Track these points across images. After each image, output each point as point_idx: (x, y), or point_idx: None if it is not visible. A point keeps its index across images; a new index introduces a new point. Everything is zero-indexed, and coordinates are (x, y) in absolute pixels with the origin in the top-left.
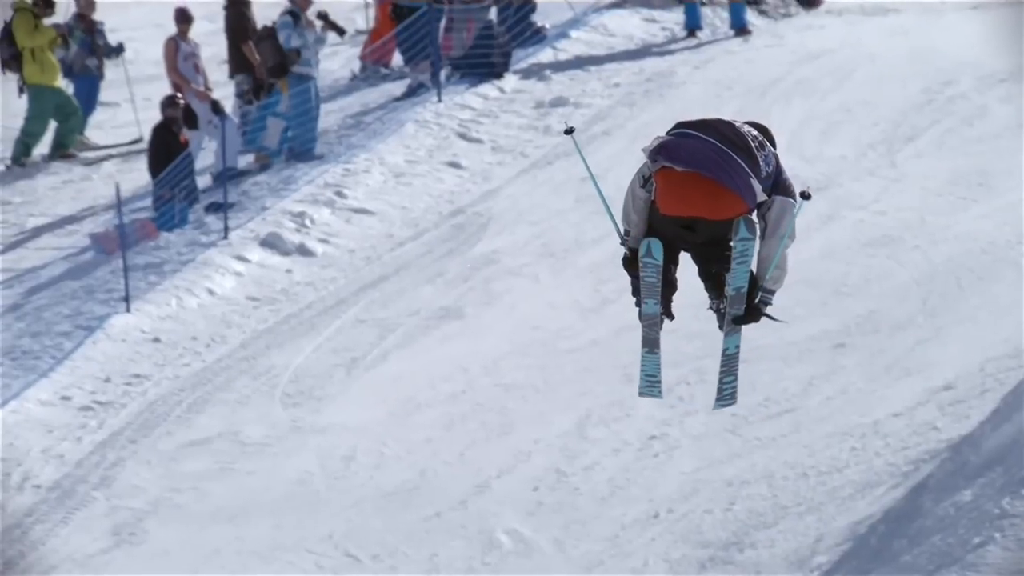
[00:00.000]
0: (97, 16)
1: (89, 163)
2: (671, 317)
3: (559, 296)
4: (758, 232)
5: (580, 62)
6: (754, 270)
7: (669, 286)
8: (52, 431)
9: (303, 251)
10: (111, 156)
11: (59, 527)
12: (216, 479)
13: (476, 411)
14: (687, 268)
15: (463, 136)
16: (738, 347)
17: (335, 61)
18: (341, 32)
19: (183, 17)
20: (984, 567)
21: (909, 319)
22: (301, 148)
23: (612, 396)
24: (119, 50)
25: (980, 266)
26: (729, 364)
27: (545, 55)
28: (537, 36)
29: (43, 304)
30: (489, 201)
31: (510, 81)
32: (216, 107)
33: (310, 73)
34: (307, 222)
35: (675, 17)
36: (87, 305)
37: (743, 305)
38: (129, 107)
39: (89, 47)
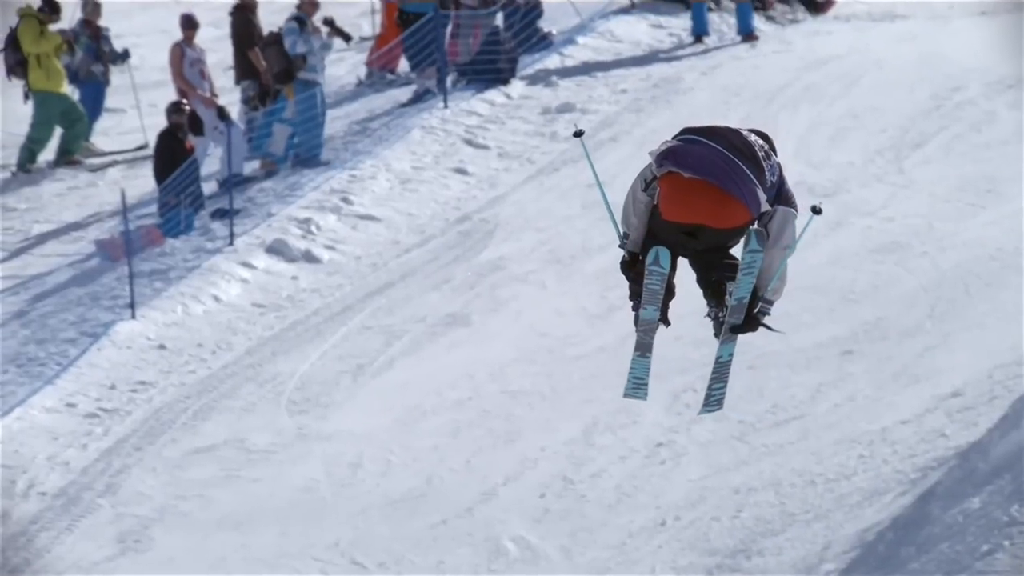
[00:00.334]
0: (103, 22)
1: (95, 169)
2: (667, 323)
3: (566, 303)
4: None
5: (587, 68)
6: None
7: (667, 292)
8: (57, 438)
9: (309, 258)
10: (117, 162)
11: (64, 534)
12: (222, 486)
13: (483, 418)
14: (686, 273)
15: (469, 142)
16: (731, 355)
17: (341, 67)
18: (347, 38)
19: (189, 23)
20: (993, 575)
21: (917, 326)
22: (307, 154)
23: (619, 403)
24: (125, 56)
25: (988, 272)
26: (721, 371)
27: (552, 61)
28: (544, 42)
29: (48, 311)
30: (496, 207)
31: (517, 87)
32: (222, 113)
33: (316, 79)
34: (313, 229)
35: (682, 23)
36: (92, 312)
37: (743, 314)
38: (135, 113)
39: (95, 53)
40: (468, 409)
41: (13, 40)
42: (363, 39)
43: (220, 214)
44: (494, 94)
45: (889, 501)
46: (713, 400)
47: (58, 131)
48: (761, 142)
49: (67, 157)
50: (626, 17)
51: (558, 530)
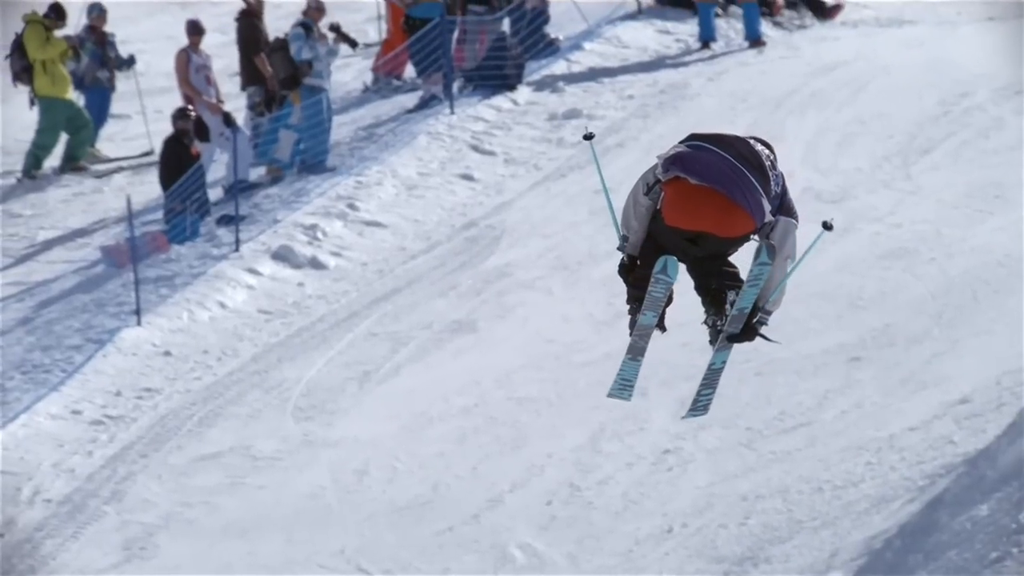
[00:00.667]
0: (108, 28)
1: (100, 175)
2: (663, 329)
3: (572, 309)
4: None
5: (594, 74)
6: None
7: (667, 299)
8: (63, 445)
9: (315, 264)
10: (122, 168)
11: (70, 542)
12: (227, 493)
13: (489, 425)
14: (684, 278)
15: (476, 148)
16: (724, 363)
17: (347, 73)
18: (353, 44)
19: (195, 29)
20: None
21: (925, 332)
22: (313, 160)
23: (626, 410)
24: (130, 62)
25: (996, 279)
26: (712, 378)
27: (558, 67)
28: (550, 48)
29: (54, 317)
30: (502, 214)
31: (523, 93)
32: (228, 119)
33: (322, 85)
34: (319, 235)
35: (689, 29)
36: (98, 318)
37: (742, 324)
38: (140, 119)
39: (100, 59)
40: (474, 416)
41: (19, 46)
42: (368, 45)
43: (226, 220)
44: (501, 100)
45: (897, 508)
46: (700, 405)
47: (63, 137)
48: (767, 152)
49: (73, 163)
50: (633, 23)
51: (565, 537)
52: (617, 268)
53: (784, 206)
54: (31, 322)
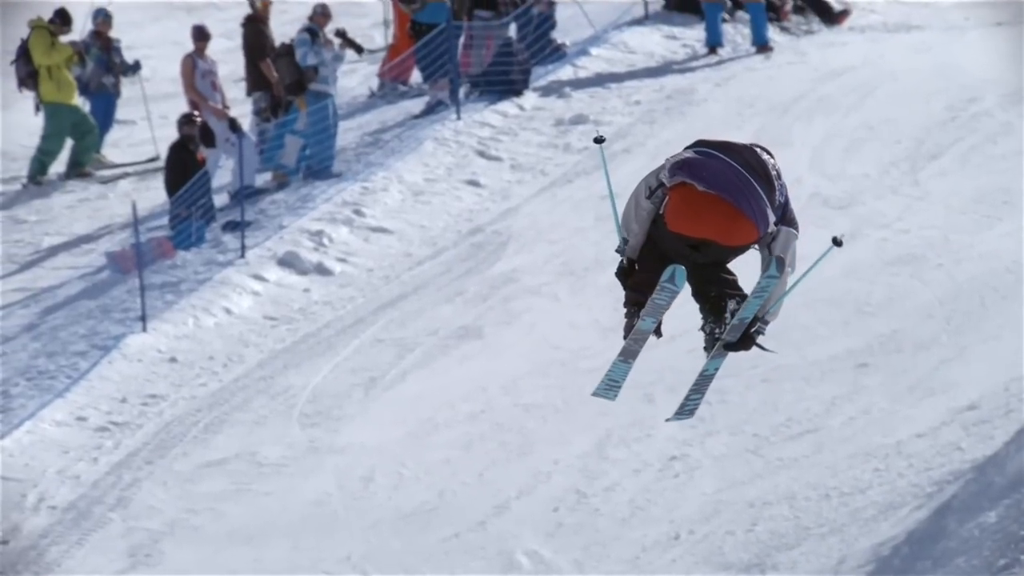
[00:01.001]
0: (114, 34)
1: (105, 181)
2: (659, 335)
3: (579, 315)
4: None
5: (600, 79)
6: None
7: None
8: (68, 452)
9: (321, 270)
10: (127, 174)
11: (75, 548)
12: (233, 500)
13: (495, 431)
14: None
15: (482, 154)
16: (717, 370)
17: (353, 78)
18: (359, 49)
19: (200, 35)
20: None
21: (933, 338)
22: (319, 166)
23: (632, 416)
24: (136, 68)
25: (1004, 285)
26: (702, 383)
27: (565, 72)
28: (557, 53)
29: (59, 324)
30: (508, 219)
31: (530, 99)
32: (233, 125)
33: (328, 91)
34: (325, 241)
35: (696, 34)
36: (103, 325)
37: (740, 333)
38: (146, 125)
39: (106, 65)
40: (481, 422)
41: (24, 52)
42: (374, 51)
43: (232, 226)
44: (507, 106)
45: (905, 515)
46: (686, 409)
47: (69, 143)
48: (773, 161)
49: (78, 169)
50: (639, 28)
51: (571, 544)
52: (615, 271)
53: (786, 216)
54: (36, 328)
